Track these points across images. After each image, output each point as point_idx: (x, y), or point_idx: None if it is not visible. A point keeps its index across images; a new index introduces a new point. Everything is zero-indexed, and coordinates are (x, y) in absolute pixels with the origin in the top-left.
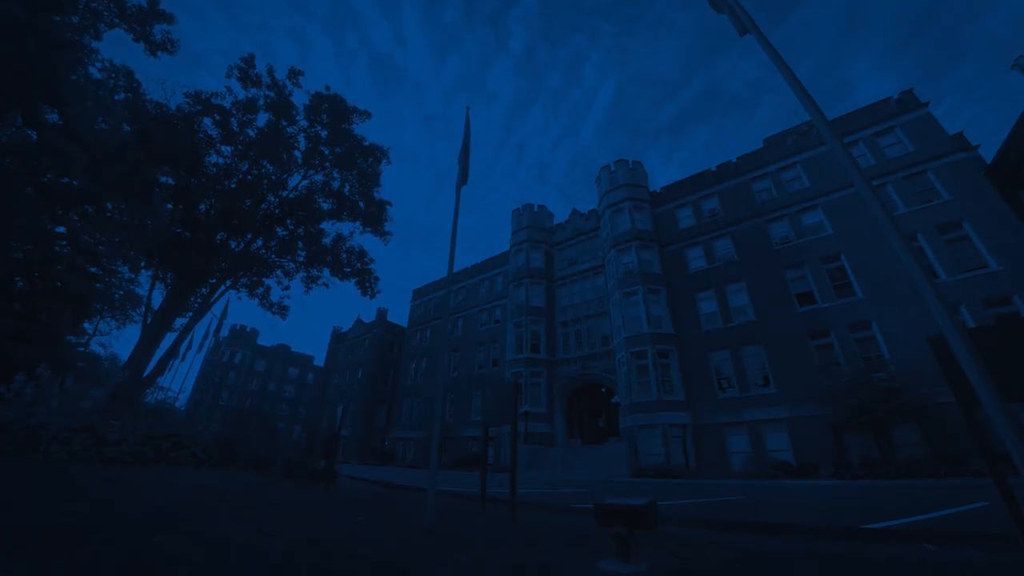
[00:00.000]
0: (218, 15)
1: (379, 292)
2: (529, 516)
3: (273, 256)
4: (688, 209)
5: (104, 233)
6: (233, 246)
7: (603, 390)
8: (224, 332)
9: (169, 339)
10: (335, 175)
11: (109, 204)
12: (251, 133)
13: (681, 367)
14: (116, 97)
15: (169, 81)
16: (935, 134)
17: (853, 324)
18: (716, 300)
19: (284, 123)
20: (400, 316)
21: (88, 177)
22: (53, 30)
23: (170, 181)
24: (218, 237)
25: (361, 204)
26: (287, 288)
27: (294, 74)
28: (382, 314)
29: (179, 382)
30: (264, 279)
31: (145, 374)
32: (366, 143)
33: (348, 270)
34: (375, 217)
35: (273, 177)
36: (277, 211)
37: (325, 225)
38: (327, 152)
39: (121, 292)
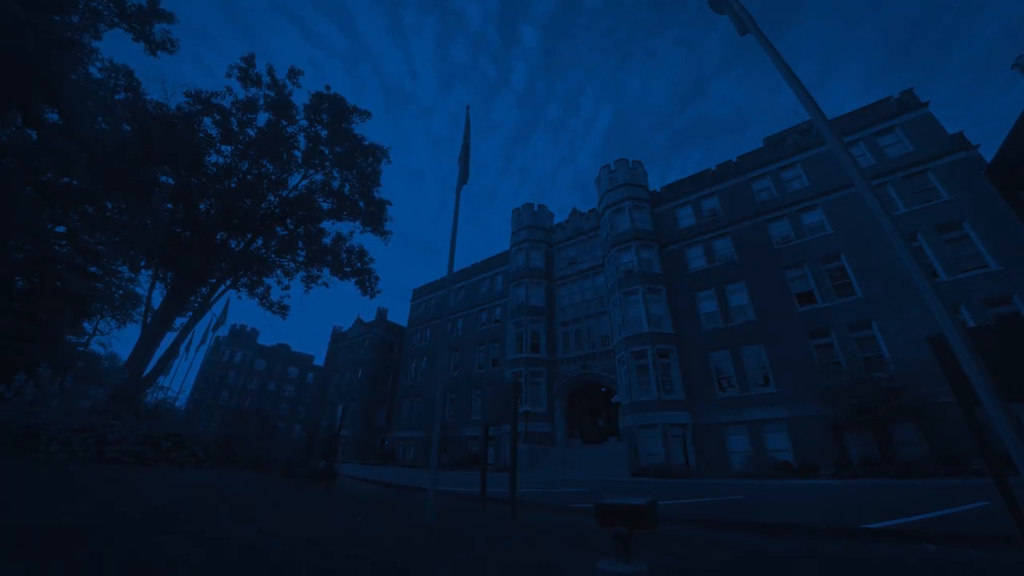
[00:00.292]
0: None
1: (379, 292)
2: (529, 516)
3: (273, 256)
4: (688, 208)
5: (104, 233)
6: (233, 246)
7: (603, 390)
8: (224, 331)
9: (169, 339)
10: (335, 174)
11: (109, 204)
12: (251, 132)
13: (681, 367)
14: (116, 96)
15: (169, 82)
16: (935, 134)
17: (853, 324)
18: (716, 300)
19: (284, 122)
20: (400, 316)
21: (88, 177)
22: (53, 29)
23: (170, 181)
24: (218, 237)
25: (361, 203)
26: (287, 288)
27: (294, 74)
28: (382, 314)
29: (179, 382)
30: (264, 279)
31: (145, 374)
32: (366, 143)
33: (348, 270)
34: (375, 216)
35: (273, 176)
36: (277, 210)
37: (325, 224)
38: (327, 151)
39: (121, 292)
